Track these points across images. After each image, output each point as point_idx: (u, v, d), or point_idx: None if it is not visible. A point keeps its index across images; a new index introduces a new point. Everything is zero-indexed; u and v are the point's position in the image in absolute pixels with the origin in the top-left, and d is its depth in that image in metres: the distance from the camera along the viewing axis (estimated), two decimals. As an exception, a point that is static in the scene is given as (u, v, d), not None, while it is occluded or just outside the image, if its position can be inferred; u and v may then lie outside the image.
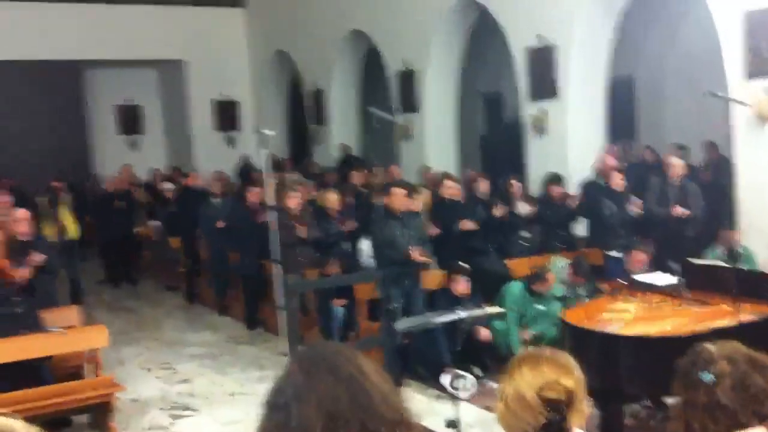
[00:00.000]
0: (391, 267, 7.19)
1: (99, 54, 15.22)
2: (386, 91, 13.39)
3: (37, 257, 6.45)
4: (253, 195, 9.31)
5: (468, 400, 6.39)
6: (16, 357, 5.95)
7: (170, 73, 16.74)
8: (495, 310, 6.23)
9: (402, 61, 12.70)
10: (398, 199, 7.45)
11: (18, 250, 6.46)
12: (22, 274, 6.31)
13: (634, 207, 8.23)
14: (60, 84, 17.11)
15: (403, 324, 5.03)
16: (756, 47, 7.80)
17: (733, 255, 6.89)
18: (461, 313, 5.19)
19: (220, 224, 9.62)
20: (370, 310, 7.75)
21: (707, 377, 2.11)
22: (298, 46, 15.40)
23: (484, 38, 12.44)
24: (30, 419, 5.33)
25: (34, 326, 6.27)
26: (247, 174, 12.73)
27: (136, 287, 11.92)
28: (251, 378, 7.34)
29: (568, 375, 2.13)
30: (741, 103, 6.78)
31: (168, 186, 12.12)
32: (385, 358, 4.81)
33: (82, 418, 6.43)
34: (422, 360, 7.03)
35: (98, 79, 16.81)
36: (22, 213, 6.85)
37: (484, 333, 6.90)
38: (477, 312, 5.60)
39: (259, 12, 16.55)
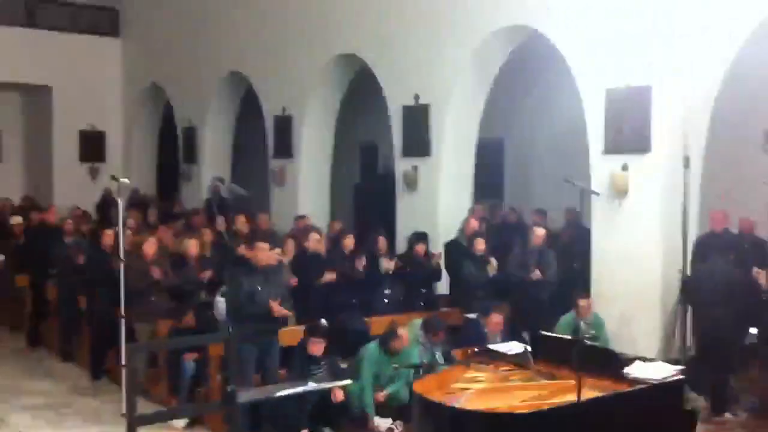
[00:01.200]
0: (247, 323, 6.93)
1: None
2: (262, 133, 13.22)
3: None
4: (107, 237, 8.83)
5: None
6: None
7: (35, 98, 15.99)
8: (343, 383, 6.13)
9: (280, 106, 12.59)
10: (261, 253, 7.22)
11: None
12: None
13: (491, 268, 8.35)
14: None
15: (245, 397, 4.80)
16: (614, 124, 8.16)
17: (579, 326, 7.08)
18: (309, 385, 5.04)
19: (79, 261, 9.07)
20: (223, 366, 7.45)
21: None
22: (174, 81, 15.05)
23: (363, 90, 12.53)
24: None
25: None
26: (107, 211, 12.16)
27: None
28: (89, 435, 6.89)
29: None
30: (593, 192, 7.05)
31: (17, 219, 11.39)
32: (228, 425, 4.59)
33: None
34: (273, 421, 6.80)
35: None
36: None
37: (338, 394, 6.75)
38: (326, 384, 5.45)
39: (135, 43, 16.12)
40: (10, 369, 9.02)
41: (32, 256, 10.14)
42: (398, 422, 6.98)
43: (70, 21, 15.75)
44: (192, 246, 8.56)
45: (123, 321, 6.56)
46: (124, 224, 7.95)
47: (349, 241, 8.82)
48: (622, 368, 5.49)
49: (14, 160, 16.26)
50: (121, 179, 6.45)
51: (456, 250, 9.00)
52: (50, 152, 15.69)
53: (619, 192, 8.18)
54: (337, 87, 12.31)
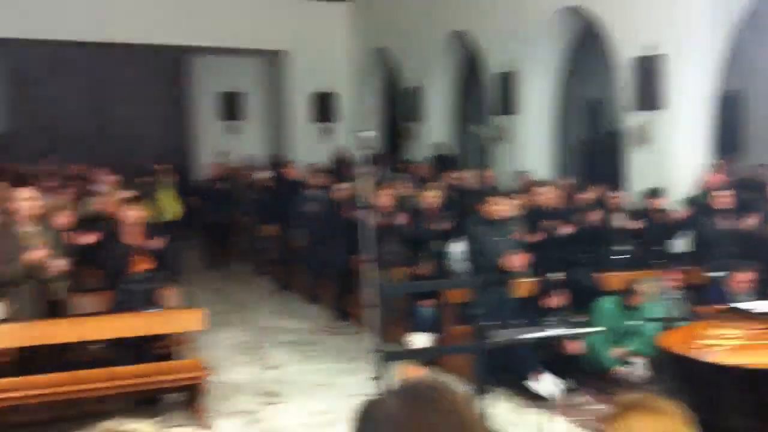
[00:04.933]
0: (484, 274, 7.12)
1: (204, 41, 15.63)
2: (484, 92, 13.31)
3: (157, 242, 6.71)
4: (338, 192, 9.39)
5: (554, 398, 6.37)
6: (116, 334, 6.23)
7: (273, 63, 17.09)
8: (587, 329, 6.14)
9: (502, 63, 12.60)
10: (497, 207, 7.38)
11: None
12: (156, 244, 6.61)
13: (750, 221, 7.93)
14: (165, 70, 17.67)
15: (494, 339, 5.00)
16: None
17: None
18: (553, 330, 5.12)
19: (318, 212, 9.76)
20: (459, 314, 7.72)
21: None
22: (399, 43, 15.46)
23: (588, 44, 12.22)
24: (121, 395, 5.50)
25: (153, 305, 6.51)
26: (341, 167, 12.85)
27: (230, 270, 12.22)
28: (341, 370, 7.44)
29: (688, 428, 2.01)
30: None
31: (263, 174, 12.37)
32: (473, 368, 4.83)
33: (173, 396, 6.61)
34: (509, 368, 6.98)
35: (202, 66, 17.29)
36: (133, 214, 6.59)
37: (573, 346, 6.79)
38: (569, 330, 5.51)
39: (362, 8, 16.71)
40: (265, 309, 9.96)
41: (278, 209, 10.99)
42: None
43: (305, -11, 16.65)
44: (431, 197, 8.88)
45: (368, 265, 6.97)
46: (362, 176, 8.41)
47: (584, 195, 8.74)
48: None
49: (255, 120, 17.60)
50: (366, 132, 6.81)
51: (697, 206, 8.63)
52: (286, 113, 16.79)
53: None
54: (562, 42, 12.10)
